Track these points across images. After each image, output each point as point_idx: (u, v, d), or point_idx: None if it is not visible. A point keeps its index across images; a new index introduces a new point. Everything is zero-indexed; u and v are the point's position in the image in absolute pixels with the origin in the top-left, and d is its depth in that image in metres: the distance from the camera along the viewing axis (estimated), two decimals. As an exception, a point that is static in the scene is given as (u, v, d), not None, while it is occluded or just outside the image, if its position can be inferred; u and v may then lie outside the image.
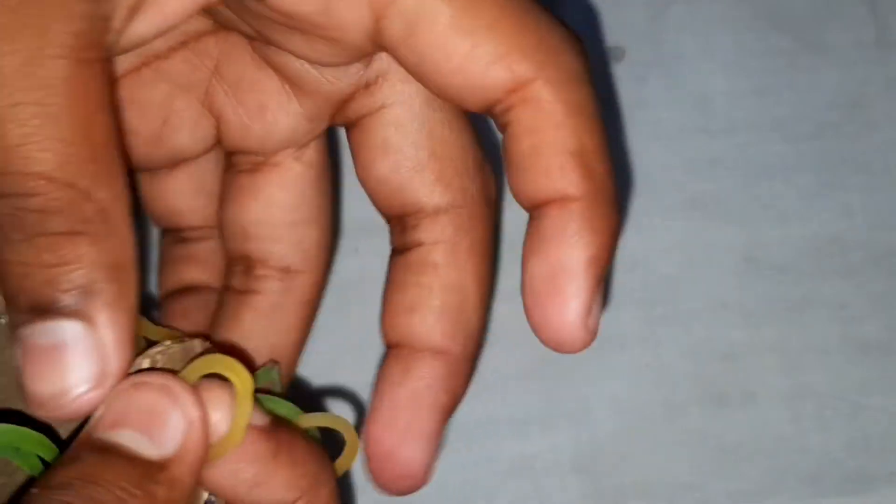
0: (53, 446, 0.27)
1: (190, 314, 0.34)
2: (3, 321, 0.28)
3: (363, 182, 0.31)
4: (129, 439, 0.24)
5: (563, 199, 0.27)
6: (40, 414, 0.25)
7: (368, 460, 0.31)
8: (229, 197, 0.32)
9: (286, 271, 0.32)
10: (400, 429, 0.30)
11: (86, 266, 0.24)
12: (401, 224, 0.31)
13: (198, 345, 0.28)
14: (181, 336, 0.29)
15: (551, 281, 0.27)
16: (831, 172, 0.44)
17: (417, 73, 0.28)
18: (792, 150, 0.44)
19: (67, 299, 0.24)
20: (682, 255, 0.43)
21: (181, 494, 0.25)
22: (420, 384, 0.30)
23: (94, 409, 0.25)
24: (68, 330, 0.24)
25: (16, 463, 0.27)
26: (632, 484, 0.41)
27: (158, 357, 0.27)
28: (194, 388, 0.26)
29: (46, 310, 0.24)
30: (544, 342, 0.28)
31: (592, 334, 0.28)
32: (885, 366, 0.43)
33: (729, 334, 0.43)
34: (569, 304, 0.27)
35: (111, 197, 0.25)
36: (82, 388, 0.24)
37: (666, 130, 0.44)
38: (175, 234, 0.36)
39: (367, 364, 0.42)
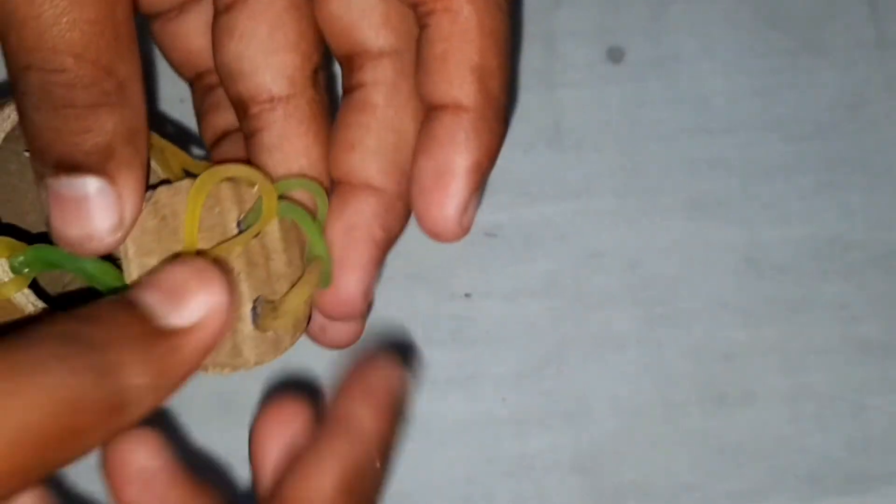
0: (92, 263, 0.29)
1: (234, 158, 0.35)
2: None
3: (319, 21, 0.33)
4: (150, 299, 0.27)
5: (456, 107, 0.30)
6: (67, 251, 0.28)
7: None
8: (215, 42, 0.33)
9: (278, 100, 0.33)
10: (336, 259, 0.32)
11: (107, 133, 0.28)
12: (349, 65, 0.33)
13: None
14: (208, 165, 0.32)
15: (436, 178, 0.30)
16: (831, 172, 0.44)
17: None
18: (792, 151, 0.44)
19: (91, 159, 0.27)
20: (683, 256, 0.43)
21: (180, 368, 0.27)
22: (355, 218, 0.32)
23: (113, 250, 0.28)
24: (91, 185, 0.28)
25: (75, 273, 0.29)
26: (632, 484, 0.41)
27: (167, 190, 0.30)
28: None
29: (72, 167, 0.27)
30: (424, 231, 0.31)
31: (465, 229, 0.31)
32: (886, 366, 0.43)
33: (729, 334, 0.43)
34: (448, 201, 0.30)
35: (129, 72, 0.28)
36: (102, 234, 0.28)
37: (666, 130, 0.45)
38: (201, 85, 0.36)
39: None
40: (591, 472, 0.42)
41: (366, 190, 0.32)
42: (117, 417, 0.25)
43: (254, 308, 0.31)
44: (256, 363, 0.31)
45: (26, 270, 0.29)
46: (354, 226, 0.32)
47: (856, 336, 0.43)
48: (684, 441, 0.42)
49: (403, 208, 0.33)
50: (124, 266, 0.29)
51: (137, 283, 0.28)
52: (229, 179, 0.31)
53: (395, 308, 0.43)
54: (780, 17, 0.46)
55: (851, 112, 0.45)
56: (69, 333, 0.25)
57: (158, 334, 0.26)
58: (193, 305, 0.27)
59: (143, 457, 0.29)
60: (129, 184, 0.28)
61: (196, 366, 0.27)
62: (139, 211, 0.29)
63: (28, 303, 0.30)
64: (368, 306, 0.34)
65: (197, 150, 0.40)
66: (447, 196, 0.30)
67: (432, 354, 0.42)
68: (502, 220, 0.44)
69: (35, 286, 0.30)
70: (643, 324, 0.43)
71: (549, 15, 0.45)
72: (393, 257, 0.43)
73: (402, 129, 0.32)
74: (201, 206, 0.30)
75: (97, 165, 0.28)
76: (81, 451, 0.25)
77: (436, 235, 0.31)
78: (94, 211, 0.28)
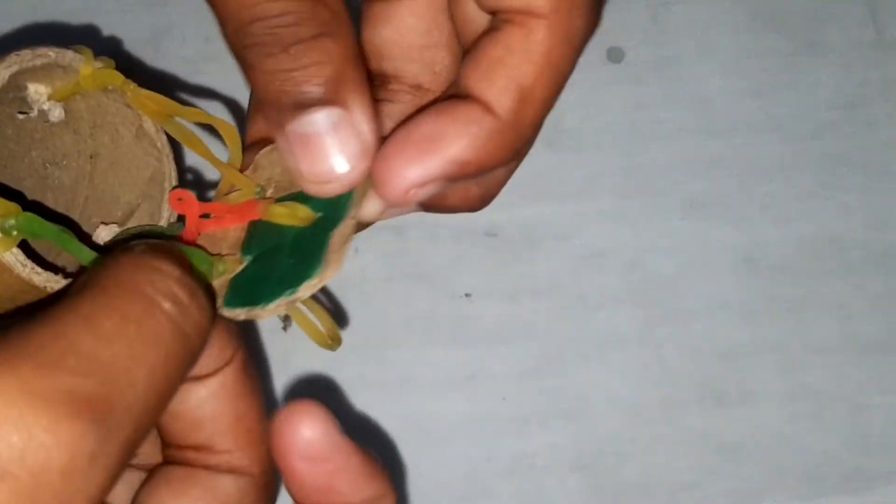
0: (75, 239, 0.30)
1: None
2: (32, 114, 0.32)
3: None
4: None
5: (486, 108, 0.30)
6: (319, 193, 0.30)
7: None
8: (366, 22, 0.34)
9: (418, 88, 0.34)
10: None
11: (335, 60, 0.28)
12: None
13: None
14: None
15: (422, 140, 0.29)
16: (830, 172, 0.44)
17: None
18: (791, 151, 0.44)
19: (327, 91, 0.28)
20: (682, 255, 0.44)
21: (199, 336, 0.27)
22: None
23: (361, 180, 0.29)
24: (334, 115, 0.29)
25: (61, 246, 0.30)
26: (631, 482, 0.42)
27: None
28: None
29: (309, 103, 0.28)
30: (374, 174, 0.30)
31: (408, 201, 0.30)
32: (884, 365, 0.43)
33: (728, 334, 0.43)
34: (414, 166, 0.29)
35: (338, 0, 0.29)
36: (354, 160, 0.29)
37: (665, 131, 0.45)
38: None
39: (367, 362, 0.42)
40: (591, 471, 0.42)
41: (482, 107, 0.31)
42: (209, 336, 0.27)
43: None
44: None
45: (15, 233, 0.29)
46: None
47: (854, 335, 0.43)
48: (684, 440, 0.42)
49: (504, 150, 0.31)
50: (259, 193, 0.31)
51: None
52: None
53: (395, 308, 0.43)
54: (779, 18, 0.46)
55: (850, 112, 0.45)
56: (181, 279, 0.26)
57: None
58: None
59: (310, 429, 0.30)
60: (364, 107, 0.29)
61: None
62: (378, 136, 0.30)
63: (17, 262, 0.29)
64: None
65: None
66: (416, 161, 0.29)
67: (433, 354, 0.42)
68: (502, 220, 0.44)
69: (31, 253, 0.30)
70: (643, 323, 0.43)
71: (549, 16, 0.45)
72: (393, 257, 0.43)
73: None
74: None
75: (333, 95, 0.29)
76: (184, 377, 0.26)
77: (379, 184, 0.30)
78: (344, 140, 0.29)
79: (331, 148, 0.29)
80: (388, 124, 0.33)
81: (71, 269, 0.33)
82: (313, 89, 0.28)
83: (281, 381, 0.42)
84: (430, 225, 0.43)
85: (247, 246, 0.31)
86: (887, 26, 0.45)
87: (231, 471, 0.29)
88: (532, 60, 0.29)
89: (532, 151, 0.44)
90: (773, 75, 0.45)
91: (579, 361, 0.43)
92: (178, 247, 0.29)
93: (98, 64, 0.31)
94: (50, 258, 0.33)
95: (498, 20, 0.30)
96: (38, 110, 0.32)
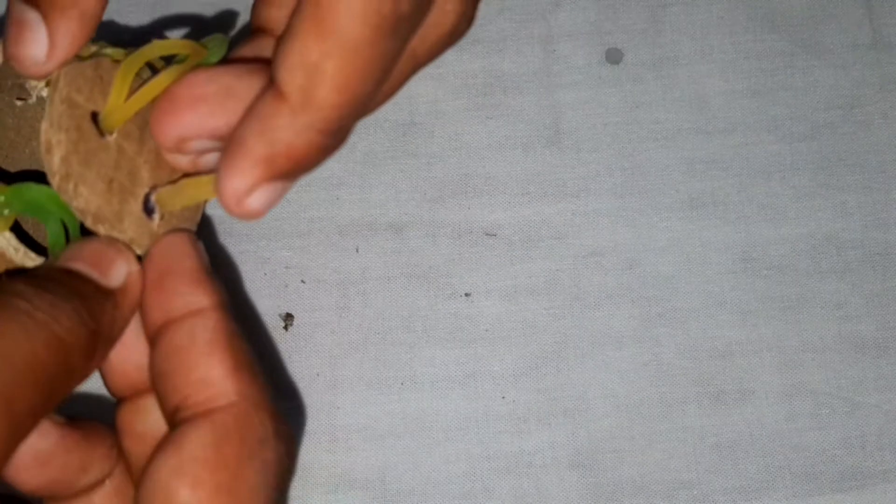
0: (75, 219, 0.31)
1: None
2: (31, 101, 0.32)
3: None
4: (83, 267, 0.30)
5: (279, 94, 0.29)
6: (14, 67, 0.30)
7: None
8: None
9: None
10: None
11: None
12: None
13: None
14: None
15: (234, 151, 0.29)
16: (827, 172, 0.44)
17: None
18: (788, 151, 0.44)
19: None
20: (680, 255, 0.44)
21: (122, 322, 0.30)
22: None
23: (43, 76, 0.30)
24: (31, 14, 0.30)
25: (47, 225, 0.30)
26: (629, 480, 0.42)
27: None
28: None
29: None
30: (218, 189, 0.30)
31: (250, 212, 0.30)
32: (881, 364, 0.43)
33: (726, 333, 0.43)
34: (235, 180, 0.29)
35: None
36: (36, 58, 0.30)
37: (663, 131, 0.45)
38: None
39: (367, 363, 0.42)
40: (590, 469, 0.42)
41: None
42: (93, 353, 0.29)
43: (146, 198, 0.32)
44: (131, 241, 0.31)
45: (6, 212, 0.30)
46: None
47: (851, 334, 0.43)
48: (681, 438, 0.42)
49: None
50: (52, 93, 0.30)
51: (66, 257, 0.30)
52: (164, 57, 0.32)
53: (395, 306, 0.43)
54: (777, 18, 0.46)
55: (847, 112, 0.45)
56: (37, 291, 0.28)
57: (102, 292, 0.30)
58: (115, 272, 0.30)
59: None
60: (61, 26, 0.30)
61: (133, 312, 0.31)
62: (67, 53, 0.30)
63: (10, 246, 0.30)
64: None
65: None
66: (234, 174, 0.29)
67: (432, 353, 0.43)
68: (502, 220, 0.44)
69: (25, 237, 0.31)
70: (641, 322, 0.43)
71: (548, 16, 0.45)
72: (393, 257, 0.43)
73: None
74: (132, 74, 0.31)
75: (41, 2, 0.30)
76: (72, 386, 0.28)
77: (223, 206, 0.30)
78: (30, 38, 0.30)
79: (23, 38, 0.30)
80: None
81: None
82: None
83: (282, 379, 0.42)
84: (431, 225, 0.44)
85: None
86: (885, 27, 0.45)
87: (206, 412, 0.30)
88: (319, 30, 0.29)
89: (532, 151, 0.44)
90: (770, 76, 0.45)
91: (578, 360, 0.43)
92: (42, 268, 0.30)
93: (93, 47, 0.31)
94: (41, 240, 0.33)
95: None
96: (37, 97, 0.32)
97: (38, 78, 0.31)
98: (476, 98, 0.45)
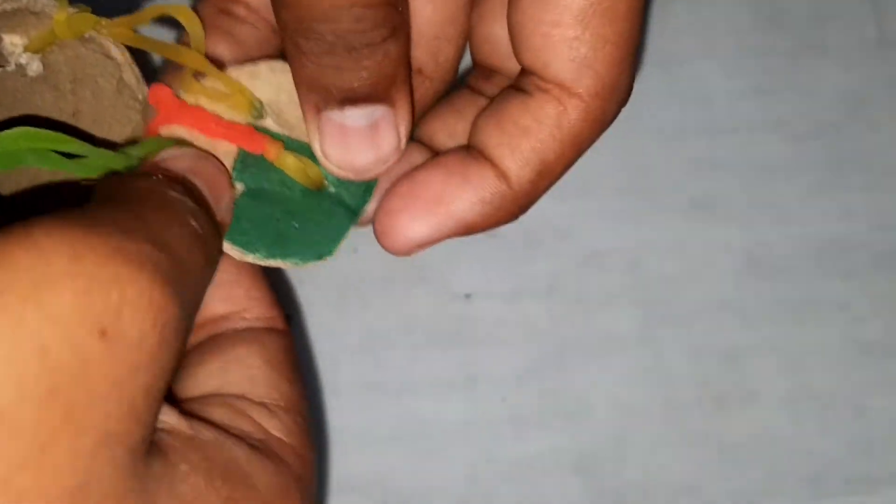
0: (70, 137, 0.29)
1: None
2: (9, 68, 0.31)
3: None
4: (203, 189, 0.28)
5: (498, 170, 0.30)
6: (349, 178, 0.30)
7: None
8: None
9: (418, 72, 0.33)
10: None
11: (392, 62, 0.28)
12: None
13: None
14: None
15: (430, 201, 0.30)
16: (832, 172, 0.44)
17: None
18: (793, 150, 0.44)
19: (378, 90, 0.28)
20: (683, 256, 0.43)
21: (216, 263, 0.28)
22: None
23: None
24: (379, 112, 0.29)
25: (36, 166, 0.28)
26: (632, 485, 0.42)
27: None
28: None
29: (356, 99, 0.28)
30: (374, 226, 0.31)
31: (407, 254, 0.31)
32: (887, 367, 0.43)
33: (730, 335, 0.43)
34: (420, 228, 0.30)
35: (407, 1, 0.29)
36: (389, 156, 0.29)
37: (667, 130, 0.45)
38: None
39: (366, 363, 0.42)
40: (592, 473, 0.42)
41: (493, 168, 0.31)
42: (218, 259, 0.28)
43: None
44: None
45: None
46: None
47: (857, 337, 0.43)
48: (684, 442, 0.42)
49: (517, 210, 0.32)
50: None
51: (174, 161, 0.29)
52: None
53: (395, 308, 0.43)
54: (781, 16, 0.46)
55: (852, 112, 0.45)
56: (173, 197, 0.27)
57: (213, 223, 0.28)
58: (224, 204, 0.29)
59: None
60: (406, 104, 0.29)
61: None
62: (412, 128, 0.30)
63: None
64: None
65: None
66: (428, 224, 0.30)
67: (432, 355, 0.42)
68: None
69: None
70: (643, 324, 0.43)
71: (550, 14, 0.45)
72: (393, 257, 0.43)
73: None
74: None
75: (383, 93, 0.28)
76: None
77: (383, 237, 0.31)
78: (383, 136, 0.29)
79: (366, 143, 0.29)
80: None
81: None
82: (366, 88, 0.28)
83: (279, 382, 0.42)
84: (430, 225, 0.43)
85: (240, 169, 0.30)
86: (890, 25, 0.45)
87: (269, 328, 0.31)
88: (560, 139, 0.29)
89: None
90: (775, 74, 0.45)
91: (580, 362, 0.43)
92: (179, 175, 0.28)
93: (72, 10, 0.30)
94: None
95: (530, 84, 0.29)
96: (16, 64, 0.31)
97: (380, 175, 0.30)
98: (477, 96, 0.45)
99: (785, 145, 0.44)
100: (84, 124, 0.33)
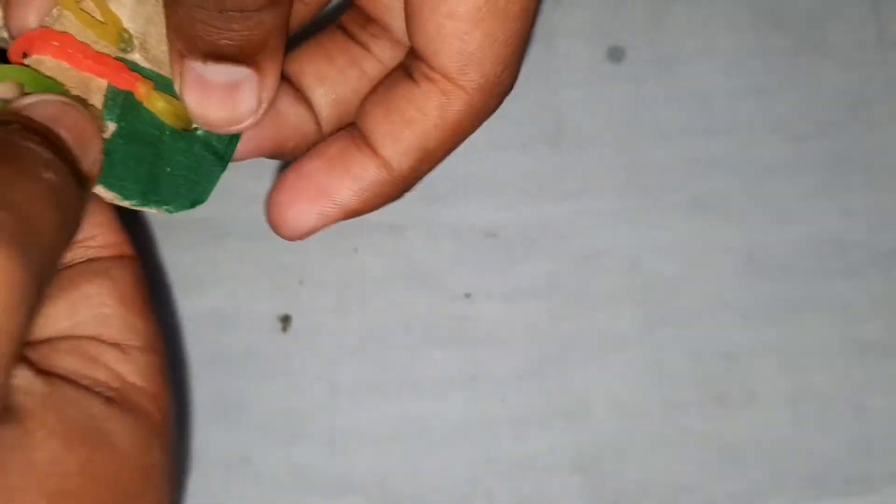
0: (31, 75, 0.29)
1: None
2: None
3: None
4: (67, 138, 0.28)
5: (377, 157, 0.31)
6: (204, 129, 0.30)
7: None
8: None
9: (397, 44, 0.33)
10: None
11: (265, 29, 0.28)
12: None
13: None
14: None
15: (317, 189, 0.31)
16: (832, 172, 0.44)
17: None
18: (793, 150, 0.44)
19: (245, 52, 0.28)
20: (683, 255, 0.43)
21: (85, 207, 0.28)
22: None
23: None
24: (241, 74, 0.29)
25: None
26: (632, 484, 0.41)
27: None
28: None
29: (224, 57, 0.28)
30: (267, 215, 0.32)
31: (294, 238, 0.32)
32: (887, 367, 0.43)
33: (729, 335, 0.43)
34: (312, 216, 0.31)
35: None
36: (244, 118, 0.30)
37: (666, 130, 0.44)
38: None
39: (367, 364, 0.42)
40: (592, 473, 0.42)
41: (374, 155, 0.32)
42: (83, 215, 0.28)
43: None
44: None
45: None
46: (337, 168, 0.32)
47: (857, 336, 0.43)
48: (684, 441, 0.42)
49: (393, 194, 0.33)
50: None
51: (48, 114, 0.28)
52: None
53: (395, 308, 0.43)
54: (781, 16, 0.46)
55: (852, 112, 0.45)
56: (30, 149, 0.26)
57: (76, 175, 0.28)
58: (91, 154, 0.29)
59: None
60: (273, 72, 0.29)
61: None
62: (275, 95, 0.30)
63: None
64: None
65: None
66: (314, 213, 0.31)
67: (432, 355, 0.42)
68: (502, 220, 0.44)
69: None
70: (643, 324, 0.43)
71: (550, 15, 0.45)
72: (393, 257, 0.43)
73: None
74: None
75: (249, 57, 0.29)
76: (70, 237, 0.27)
77: (277, 228, 0.32)
78: (241, 98, 0.29)
79: (229, 101, 0.29)
80: (364, 67, 0.33)
81: None
82: (232, 48, 0.28)
83: (280, 382, 0.42)
84: (430, 225, 0.43)
85: (110, 107, 0.30)
86: (890, 25, 0.45)
87: (119, 256, 0.30)
88: (443, 129, 0.30)
89: (532, 151, 0.44)
90: (775, 74, 0.45)
91: (580, 362, 0.43)
92: (37, 122, 0.28)
93: None
94: None
95: (418, 71, 0.30)
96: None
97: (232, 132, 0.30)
98: (477, 97, 0.45)
99: (785, 145, 0.44)
100: None
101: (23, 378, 0.26)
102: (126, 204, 0.30)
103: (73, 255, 0.29)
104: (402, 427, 0.42)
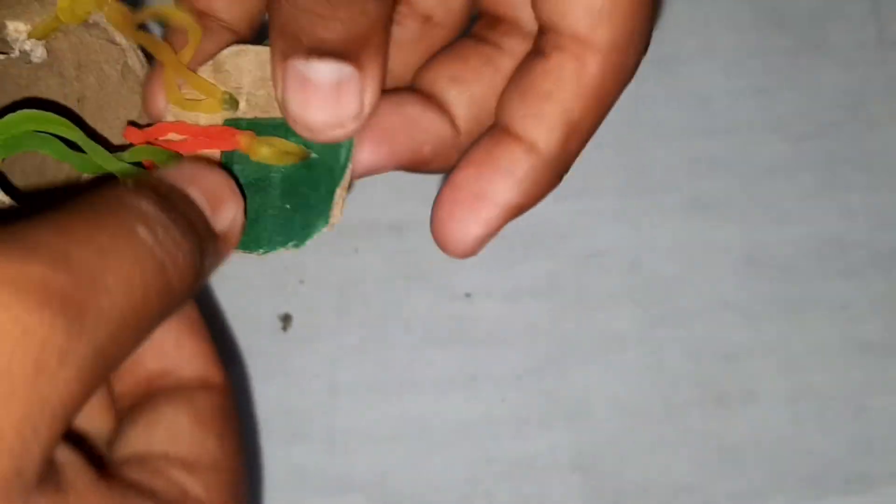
0: (76, 127, 0.29)
1: None
2: (13, 55, 0.31)
3: None
4: (200, 198, 0.27)
5: (530, 145, 0.29)
6: (305, 136, 0.29)
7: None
8: None
9: (427, 19, 0.33)
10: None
11: (369, 20, 0.27)
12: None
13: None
14: None
15: (475, 197, 0.30)
16: (832, 172, 0.44)
17: None
18: (793, 150, 0.44)
19: (348, 47, 0.27)
20: (683, 255, 0.43)
21: (213, 266, 0.28)
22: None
23: (351, 136, 0.29)
24: (345, 71, 0.28)
25: (36, 150, 0.28)
26: (632, 484, 0.41)
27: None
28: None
29: (324, 52, 0.27)
30: (434, 236, 0.30)
31: (473, 254, 0.30)
32: (887, 366, 0.43)
33: (729, 334, 0.43)
34: (476, 226, 0.30)
35: None
36: (347, 120, 0.28)
37: (666, 130, 0.45)
38: None
39: (366, 362, 0.42)
40: (591, 472, 0.42)
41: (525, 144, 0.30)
42: (194, 284, 0.26)
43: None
44: None
45: None
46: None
47: (856, 336, 0.43)
48: (684, 441, 0.42)
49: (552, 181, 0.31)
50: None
51: (183, 177, 0.28)
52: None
53: (395, 308, 0.43)
54: (781, 16, 0.46)
55: (852, 112, 0.45)
56: (162, 221, 0.25)
57: (210, 233, 0.27)
58: (225, 213, 0.28)
59: None
60: (377, 72, 0.28)
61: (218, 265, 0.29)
62: (379, 98, 0.29)
63: None
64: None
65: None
66: (477, 220, 0.30)
67: (432, 354, 0.42)
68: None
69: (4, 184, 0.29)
70: (643, 324, 0.43)
71: (550, 14, 0.45)
72: (393, 257, 0.43)
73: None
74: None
75: (353, 53, 0.28)
76: (171, 313, 0.26)
77: (444, 246, 0.30)
78: (344, 97, 0.28)
79: (332, 101, 0.28)
80: (497, 64, 0.32)
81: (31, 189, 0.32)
82: (335, 42, 0.28)
83: (280, 381, 0.42)
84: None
85: (226, 164, 0.30)
86: (890, 25, 0.45)
87: (203, 383, 0.29)
88: (583, 95, 0.29)
89: (532, 151, 0.44)
90: (775, 74, 0.45)
91: (580, 362, 0.43)
92: (163, 183, 0.27)
93: None
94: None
95: (548, 43, 0.29)
96: (20, 51, 0.31)
97: (339, 140, 0.29)
98: (477, 96, 0.45)
99: (785, 145, 0.44)
100: (89, 110, 0.33)
101: (73, 458, 0.25)
102: (255, 255, 0.30)
103: (161, 381, 0.29)
104: (402, 427, 0.42)
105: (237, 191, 0.29)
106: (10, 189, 0.30)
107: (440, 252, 0.43)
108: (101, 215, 0.24)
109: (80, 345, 0.23)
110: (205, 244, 0.27)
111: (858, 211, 0.44)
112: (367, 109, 0.29)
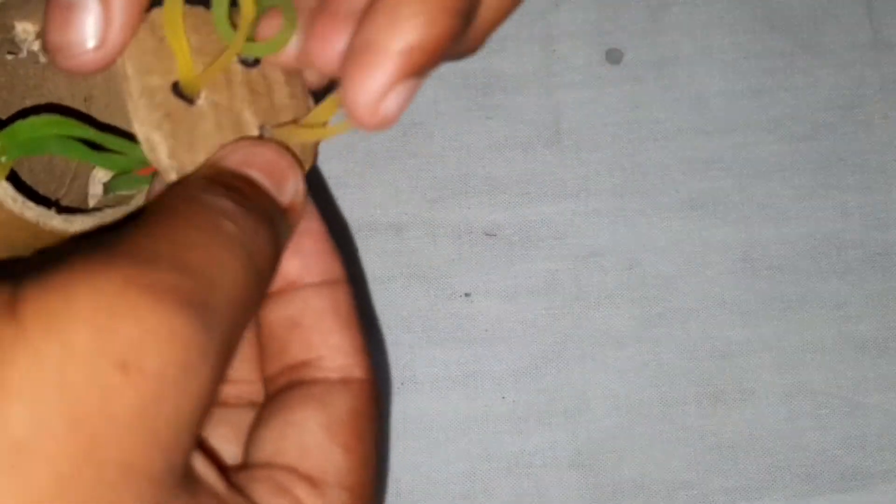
0: (93, 129, 0.29)
1: None
2: (22, 55, 0.31)
3: None
4: (260, 177, 0.27)
5: None
6: (56, 63, 0.27)
7: None
8: None
9: None
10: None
11: None
12: None
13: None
14: None
15: (363, 54, 0.26)
16: (828, 172, 0.44)
17: None
18: (788, 151, 0.44)
19: None
20: (680, 255, 0.43)
21: (288, 240, 0.28)
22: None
23: (98, 68, 0.27)
24: None
25: (59, 154, 0.28)
26: (629, 480, 0.42)
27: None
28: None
29: None
30: (346, 111, 0.27)
31: (384, 119, 0.27)
32: (882, 364, 0.43)
33: (726, 333, 0.43)
34: (369, 82, 0.26)
35: None
36: (83, 45, 0.27)
37: (663, 131, 0.45)
38: None
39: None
40: (590, 469, 0.42)
41: None
42: (276, 263, 0.27)
43: (259, 136, 0.29)
44: None
45: (3, 159, 0.28)
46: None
47: (852, 334, 0.43)
48: (681, 438, 0.42)
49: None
50: (125, 85, 0.27)
51: (239, 160, 0.27)
52: None
53: (395, 308, 0.43)
54: (777, 18, 0.46)
55: (847, 112, 0.45)
56: (241, 212, 0.26)
57: (278, 209, 0.27)
58: (289, 186, 0.28)
59: None
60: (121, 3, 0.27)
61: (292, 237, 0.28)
62: (128, 31, 0.27)
63: (7, 196, 0.28)
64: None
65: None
66: (368, 76, 0.26)
67: (432, 353, 0.42)
68: (502, 220, 0.44)
69: (28, 192, 0.29)
70: (641, 322, 0.43)
71: (548, 16, 0.45)
72: (392, 257, 0.43)
73: None
74: (182, 26, 0.28)
75: None
76: (264, 296, 0.26)
77: (353, 118, 0.27)
78: (80, 19, 0.27)
79: (69, 22, 0.27)
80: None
81: (66, 202, 0.32)
82: None
83: (281, 379, 0.42)
84: (430, 225, 0.43)
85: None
86: (885, 27, 0.45)
87: (343, 380, 0.28)
88: None
89: (532, 151, 0.44)
90: (771, 75, 0.45)
91: (578, 360, 0.43)
92: (225, 172, 0.27)
93: None
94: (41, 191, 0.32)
95: None
96: (28, 51, 0.31)
97: (84, 71, 0.27)
98: (476, 98, 0.45)
99: (781, 145, 0.44)
100: (96, 109, 0.33)
101: (208, 473, 0.25)
102: None
103: (305, 372, 0.29)
104: (401, 424, 0.42)
105: (292, 161, 0.28)
106: (20, 185, 0.30)
107: (440, 252, 0.43)
108: (190, 219, 0.25)
109: (212, 343, 0.23)
110: (277, 222, 0.27)
111: (853, 210, 0.44)
112: (112, 38, 0.27)
